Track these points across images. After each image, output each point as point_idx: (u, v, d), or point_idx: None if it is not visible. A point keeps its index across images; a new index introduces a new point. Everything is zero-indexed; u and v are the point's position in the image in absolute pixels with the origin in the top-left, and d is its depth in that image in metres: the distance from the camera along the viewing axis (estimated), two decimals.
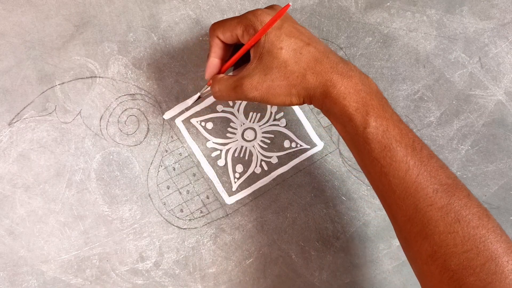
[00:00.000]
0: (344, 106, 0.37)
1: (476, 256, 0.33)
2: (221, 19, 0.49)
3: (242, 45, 0.41)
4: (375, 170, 0.37)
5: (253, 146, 0.51)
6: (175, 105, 0.50)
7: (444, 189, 0.35)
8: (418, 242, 0.36)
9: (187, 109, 0.50)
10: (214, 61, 0.43)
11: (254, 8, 0.49)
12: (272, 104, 0.41)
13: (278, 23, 0.39)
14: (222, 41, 0.42)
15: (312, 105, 0.41)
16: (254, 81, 0.39)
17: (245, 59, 0.43)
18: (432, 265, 0.35)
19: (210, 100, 0.50)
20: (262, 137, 0.51)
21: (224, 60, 0.43)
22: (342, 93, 0.37)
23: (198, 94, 0.49)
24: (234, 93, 0.41)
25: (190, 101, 0.50)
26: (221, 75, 0.43)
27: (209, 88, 0.46)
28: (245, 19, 0.40)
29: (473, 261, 0.33)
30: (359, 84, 0.38)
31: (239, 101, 0.51)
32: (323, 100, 0.38)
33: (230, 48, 0.43)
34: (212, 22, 0.50)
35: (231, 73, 0.44)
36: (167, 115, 0.50)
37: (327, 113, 0.40)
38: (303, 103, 0.40)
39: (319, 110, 0.50)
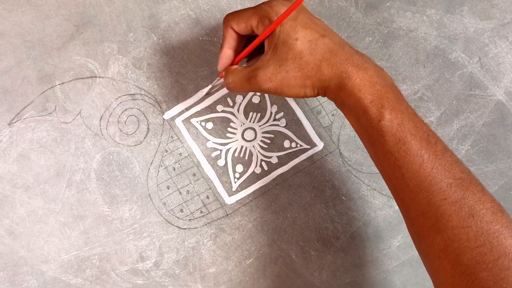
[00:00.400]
0: (359, 99, 0.37)
1: (489, 251, 0.33)
2: (221, 19, 0.50)
3: (255, 36, 0.41)
4: (388, 163, 0.37)
5: (253, 146, 0.51)
6: (175, 105, 0.50)
7: (458, 183, 0.35)
8: (431, 237, 0.35)
9: (187, 109, 0.50)
10: (227, 52, 0.43)
11: None
12: (286, 96, 0.41)
13: (293, 14, 0.38)
14: (236, 32, 0.42)
15: (325, 97, 0.41)
16: (268, 72, 0.39)
17: (258, 51, 0.42)
18: (444, 259, 0.35)
19: (210, 100, 0.50)
20: (262, 137, 0.51)
21: (237, 51, 0.43)
22: (357, 85, 0.37)
23: (210, 86, 0.48)
24: (248, 84, 0.41)
25: (201, 94, 0.50)
26: (235, 66, 0.43)
27: (221, 80, 0.46)
28: (260, 10, 0.39)
29: (486, 256, 0.33)
30: (375, 76, 0.37)
31: (241, 101, 0.51)
32: (337, 92, 0.38)
33: (243, 39, 0.43)
34: (212, 22, 0.50)
35: (244, 65, 0.44)
36: (167, 115, 0.50)
37: (341, 105, 0.39)
38: (317, 95, 0.40)
39: (319, 110, 0.50)
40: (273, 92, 0.40)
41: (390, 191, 0.39)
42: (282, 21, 0.38)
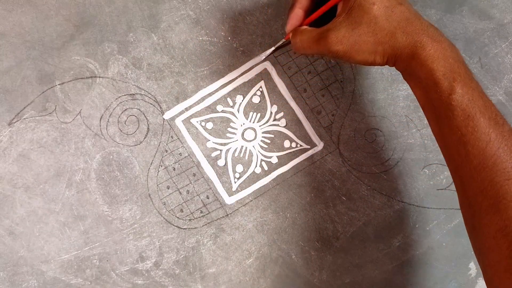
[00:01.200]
0: (432, 70, 0.37)
1: None
2: (222, 19, 0.50)
3: (323, 2, 0.41)
4: (453, 139, 0.37)
5: (253, 146, 0.51)
6: (175, 105, 0.50)
7: None
8: (489, 216, 0.35)
9: (187, 109, 0.50)
10: (298, 12, 0.42)
11: (254, 8, 0.50)
12: (353, 61, 0.40)
13: None
14: None
15: (393, 66, 0.40)
16: (340, 34, 0.39)
17: (325, 18, 0.42)
18: (501, 239, 0.34)
19: (210, 100, 0.50)
20: (262, 137, 0.51)
21: (307, 12, 0.43)
22: (431, 56, 0.37)
23: (273, 48, 0.48)
24: (317, 46, 0.40)
25: (261, 57, 0.50)
26: (304, 27, 0.42)
27: (285, 42, 0.46)
28: None
29: None
30: (448, 50, 0.37)
31: (241, 101, 0.51)
32: (409, 62, 0.38)
33: (314, 1, 0.43)
34: (212, 22, 0.50)
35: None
36: (167, 115, 0.50)
37: (409, 76, 0.39)
38: (386, 63, 0.40)
39: (319, 110, 0.50)
40: (342, 55, 0.39)
41: (448, 168, 0.39)
42: None
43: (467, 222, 0.38)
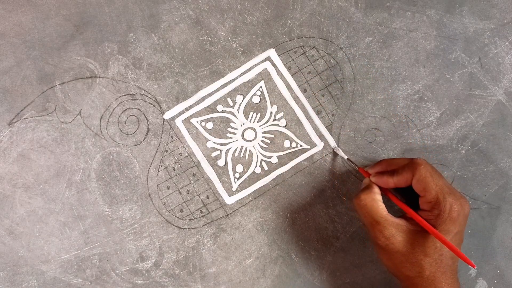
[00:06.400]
0: None
1: None
2: (222, 19, 0.50)
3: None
4: None
5: (253, 146, 0.51)
6: (175, 105, 0.50)
7: None
8: None
9: (187, 109, 0.50)
10: (390, 180, 0.43)
11: (254, 8, 0.50)
12: (381, 258, 0.44)
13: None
14: (413, 184, 0.42)
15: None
16: (391, 237, 0.41)
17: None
18: None
19: (210, 100, 0.50)
20: (262, 137, 0.51)
21: (394, 186, 0.44)
22: None
23: (346, 157, 0.49)
24: (369, 220, 0.42)
25: (336, 149, 0.50)
26: (379, 194, 0.44)
27: (353, 165, 0.49)
28: (438, 201, 0.41)
29: None
30: None
31: (241, 101, 0.51)
32: None
33: (405, 187, 0.44)
34: (212, 22, 0.50)
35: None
36: (167, 115, 0.50)
37: None
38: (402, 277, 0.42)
39: (319, 110, 0.50)
40: (381, 247, 0.42)
41: None
42: (436, 236, 0.40)
43: None
